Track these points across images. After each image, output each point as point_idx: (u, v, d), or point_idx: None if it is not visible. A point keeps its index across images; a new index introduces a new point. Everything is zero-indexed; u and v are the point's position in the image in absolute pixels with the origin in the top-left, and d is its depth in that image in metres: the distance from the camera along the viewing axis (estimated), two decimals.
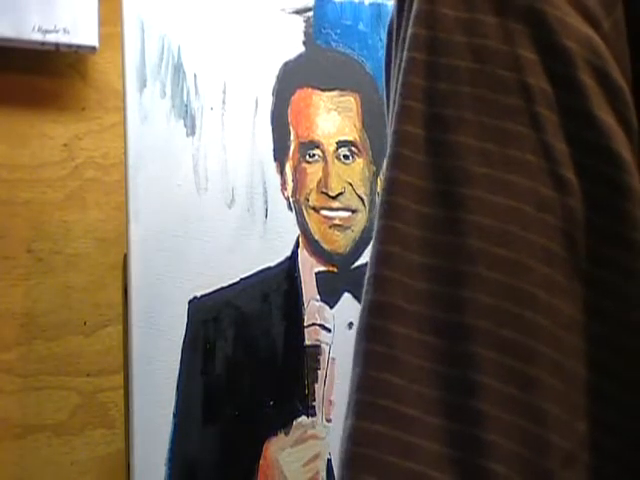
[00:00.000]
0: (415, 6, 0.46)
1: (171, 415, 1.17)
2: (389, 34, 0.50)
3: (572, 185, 0.43)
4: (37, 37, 1.41)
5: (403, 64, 0.46)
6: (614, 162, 0.43)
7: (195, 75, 1.26)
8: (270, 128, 1.28)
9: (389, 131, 0.47)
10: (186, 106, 1.24)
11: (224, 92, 1.27)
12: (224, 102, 1.26)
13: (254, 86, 1.28)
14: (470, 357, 0.42)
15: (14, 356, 1.43)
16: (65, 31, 1.42)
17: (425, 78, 0.45)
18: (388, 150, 0.46)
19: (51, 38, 1.42)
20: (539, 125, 0.43)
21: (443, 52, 0.45)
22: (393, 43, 0.49)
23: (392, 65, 0.49)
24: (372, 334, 0.44)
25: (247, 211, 1.25)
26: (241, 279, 1.23)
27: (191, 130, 1.24)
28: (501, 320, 0.42)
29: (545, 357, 0.42)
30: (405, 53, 0.46)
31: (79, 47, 1.45)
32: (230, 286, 1.22)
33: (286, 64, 1.30)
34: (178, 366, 1.18)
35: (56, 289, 1.46)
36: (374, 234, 0.45)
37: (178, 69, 1.25)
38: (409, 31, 0.46)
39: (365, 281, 0.45)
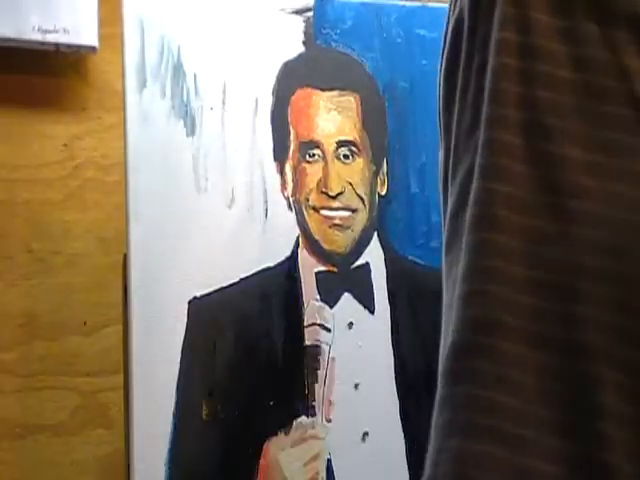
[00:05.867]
0: (500, 8, 0.44)
1: (171, 415, 1.17)
2: (458, 32, 0.48)
3: None
4: (37, 37, 1.41)
5: (493, 70, 0.44)
6: None
7: (195, 75, 1.26)
8: (270, 128, 1.28)
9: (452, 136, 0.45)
10: (186, 106, 1.24)
11: (224, 92, 1.27)
12: (224, 102, 1.26)
13: (254, 86, 1.28)
14: (592, 377, 0.40)
15: (14, 356, 1.43)
16: (65, 31, 1.42)
17: (519, 85, 0.43)
18: (479, 159, 0.44)
19: (51, 38, 1.42)
20: None
21: (540, 59, 0.43)
22: (463, 43, 0.47)
23: (460, 63, 0.47)
24: (478, 351, 0.42)
25: (247, 211, 1.25)
26: (241, 279, 1.23)
27: (191, 130, 1.24)
28: (621, 337, 0.40)
29: None
30: (494, 58, 0.44)
31: (79, 47, 1.45)
32: (230, 286, 1.22)
33: (286, 64, 1.30)
34: (178, 366, 1.18)
35: (56, 289, 1.46)
36: (467, 248, 0.43)
37: (178, 69, 1.25)
38: (496, 35, 0.44)
39: (458, 298, 0.43)
